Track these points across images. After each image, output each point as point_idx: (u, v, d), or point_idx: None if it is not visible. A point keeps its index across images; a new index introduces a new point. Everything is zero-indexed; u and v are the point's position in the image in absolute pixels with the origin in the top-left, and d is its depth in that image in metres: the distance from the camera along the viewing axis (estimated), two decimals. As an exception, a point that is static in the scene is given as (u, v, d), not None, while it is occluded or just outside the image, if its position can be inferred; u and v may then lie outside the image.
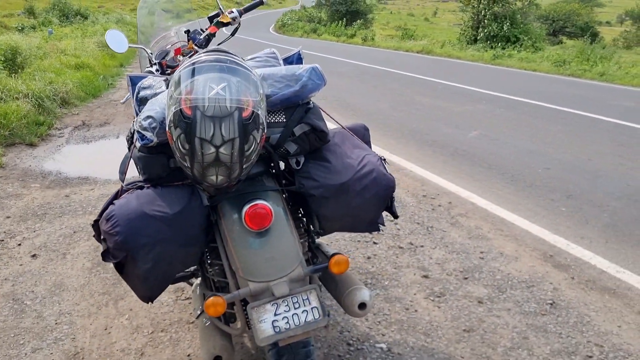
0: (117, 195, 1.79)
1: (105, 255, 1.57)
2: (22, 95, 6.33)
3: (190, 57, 2.82)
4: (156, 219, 1.54)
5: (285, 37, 27.13)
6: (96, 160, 5.17)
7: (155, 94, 1.82)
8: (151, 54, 2.68)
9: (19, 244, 3.23)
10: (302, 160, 1.80)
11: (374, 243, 3.23)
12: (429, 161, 4.96)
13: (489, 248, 3.18)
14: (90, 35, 14.94)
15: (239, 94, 1.42)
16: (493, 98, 7.95)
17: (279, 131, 1.72)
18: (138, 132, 1.70)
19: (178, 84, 1.46)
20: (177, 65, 2.71)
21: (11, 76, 7.02)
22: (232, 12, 2.85)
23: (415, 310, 2.53)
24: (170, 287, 2.56)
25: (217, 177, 1.44)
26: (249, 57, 1.96)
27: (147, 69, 2.55)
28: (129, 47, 2.52)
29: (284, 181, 1.79)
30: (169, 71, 2.66)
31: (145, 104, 1.84)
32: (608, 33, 35.45)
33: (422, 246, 3.19)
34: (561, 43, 27.01)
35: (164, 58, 2.71)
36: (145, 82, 1.87)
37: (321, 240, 2.45)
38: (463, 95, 8.25)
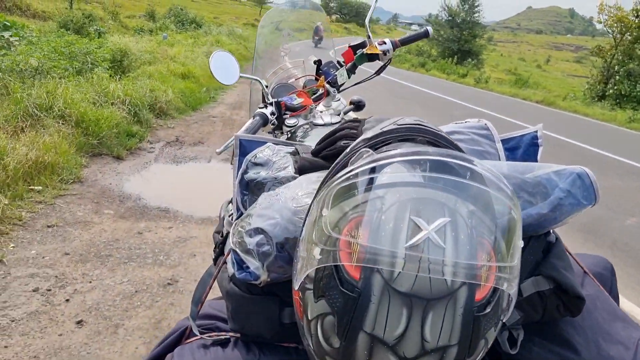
0: (182, 336, 1.04)
1: None
2: (119, 100, 5.91)
3: (318, 99, 2.04)
4: None
5: (392, 68, 26.40)
6: (181, 187, 4.56)
7: (276, 180, 1.02)
8: (266, 87, 1.93)
9: (67, 300, 2.56)
10: (520, 336, 0.92)
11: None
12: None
13: None
14: (202, 44, 14.93)
15: (473, 247, 0.59)
16: (635, 171, 6.65)
17: None
18: (236, 253, 0.91)
19: (336, 199, 0.66)
20: (300, 109, 1.94)
21: (114, 79, 6.69)
22: (384, 43, 2.05)
23: None
24: None
25: None
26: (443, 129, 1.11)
27: (259, 110, 1.79)
28: (240, 77, 1.78)
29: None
30: (289, 117, 1.90)
31: (254, 193, 1.05)
32: None
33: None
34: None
35: (282, 96, 1.96)
36: (260, 155, 1.07)
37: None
38: (605, 165, 6.99)
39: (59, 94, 4.98)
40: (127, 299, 2.64)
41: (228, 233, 1.11)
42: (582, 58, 70.36)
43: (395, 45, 2.05)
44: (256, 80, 1.87)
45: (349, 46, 2.08)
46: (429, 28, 2.12)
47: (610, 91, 16.32)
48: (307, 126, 1.88)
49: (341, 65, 2.05)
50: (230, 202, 1.27)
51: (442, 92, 13.66)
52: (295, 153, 1.08)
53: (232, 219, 1.08)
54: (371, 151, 0.68)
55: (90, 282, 2.76)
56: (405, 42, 2.10)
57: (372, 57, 2.04)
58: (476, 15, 33.19)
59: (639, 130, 11.18)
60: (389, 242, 0.59)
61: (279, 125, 1.93)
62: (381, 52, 2.03)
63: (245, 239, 0.88)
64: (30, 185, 3.80)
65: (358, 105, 2.10)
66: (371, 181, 0.64)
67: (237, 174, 1.06)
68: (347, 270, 0.61)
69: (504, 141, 1.09)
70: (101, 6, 22.04)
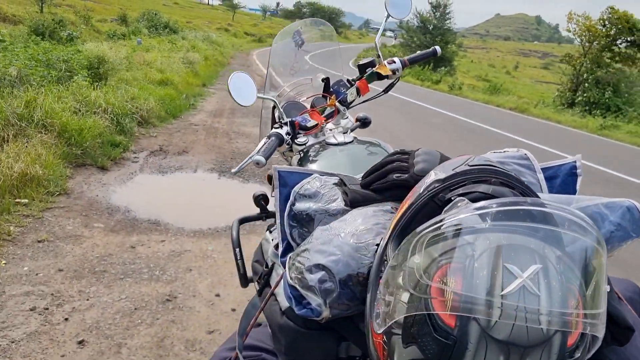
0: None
1: None
2: (100, 109, 5.82)
3: (329, 118, 2.05)
4: None
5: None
6: (170, 198, 4.50)
7: (327, 212, 1.02)
8: (281, 106, 1.94)
9: (66, 319, 2.51)
10: None
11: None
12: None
13: None
14: (179, 49, 14.78)
15: (564, 294, 0.61)
16: (623, 182, 6.82)
17: None
18: (294, 288, 0.91)
19: (428, 246, 0.67)
20: (313, 128, 1.95)
21: (93, 86, 6.58)
22: (394, 61, 2.08)
23: None
24: None
25: None
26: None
27: (275, 130, 1.79)
28: (258, 97, 1.78)
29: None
30: (304, 138, 1.91)
31: (303, 225, 1.05)
32: None
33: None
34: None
35: (292, 115, 1.97)
36: (307, 186, 1.06)
37: None
38: (586, 174, 7.15)
39: (39, 104, 4.87)
40: (127, 316, 2.60)
41: (273, 264, 1.10)
42: (549, 64, 72.01)
43: (404, 64, 2.08)
44: (272, 100, 1.87)
45: (358, 65, 2.10)
46: (437, 48, 2.16)
47: (580, 98, 16.73)
48: (319, 146, 1.88)
49: (351, 84, 2.06)
50: (269, 230, 1.27)
51: (418, 98, 13.81)
52: (341, 184, 1.08)
53: (277, 250, 1.08)
54: (466, 200, 0.70)
55: (88, 299, 2.70)
56: (413, 61, 2.13)
57: (381, 76, 2.07)
58: (447, 22, 33.72)
59: (609, 137, 11.50)
60: (484, 290, 0.60)
61: (290, 145, 1.93)
62: (390, 72, 2.06)
63: (306, 275, 0.88)
64: (16, 199, 3.71)
65: (364, 122, 2.13)
66: (459, 230, 0.65)
67: (283, 205, 1.05)
68: (441, 317, 0.62)
69: (545, 170, 1.12)
70: (72, 10, 21.64)
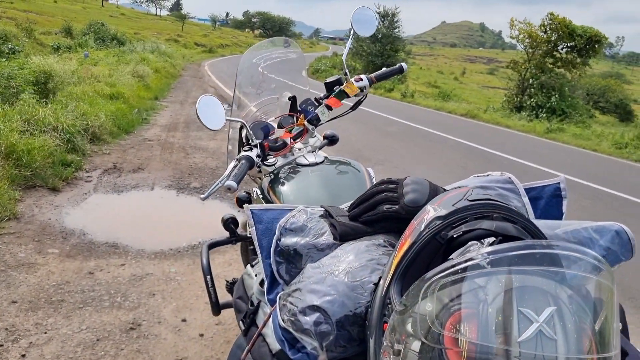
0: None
1: None
2: (50, 127, 5.59)
3: (298, 137, 2.02)
4: None
5: (318, 85, 26.61)
6: (127, 219, 4.35)
7: (316, 248, 0.98)
8: (251, 127, 1.90)
9: (23, 355, 2.37)
10: None
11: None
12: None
13: None
14: (127, 62, 14.43)
15: (580, 336, 0.61)
16: (575, 185, 7.02)
17: None
18: (286, 331, 0.87)
19: (433, 293, 0.65)
20: (283, 148, 1.91)
21: (41, 103, 6.31)
22: (361, 79, 2.08)
23: None
24: None
25: None
26: (469, 185, 1.12)
27: (245, 153, 1.75)
28: (227, 120, 1.73)
29: None
30: (273, 159, 1.87)
31: (290, 261, 1.01)
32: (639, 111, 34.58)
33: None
34: (593, 117, 26.02)
35: (259, 135, 1.93)
36: (293, 220, 1.02)
37: None
38: (536, 177, 7.37)
39: (-19, 125, 4.64)
40: (89, 348, 2.47)
41: (259, 302, 1.05)
42: (494, 70, 74.28)
43: (371, 82, 2.08)
44: (242, 122, 1.82)
45: (325, 83, 2.08)
46: (404, 64, 2.16)
47: (527, 102, 17.30)
48: (289, 167, 1.85)
49: (319, 103, 2.04)
50: (252, 265, 1.22)
51: (373, 107, 13.93)
52: (327, 216, 1.05)
53: (262, 287, 1.03)
54: (478, 244, 0.68)
55: (46, 332, 2.56)
56: (380, 77, 2.13)
57: (348, 95, 2.06)
58: (396, 30, 34.28)
59: (556, 139, 11.92)
60: (501, 339, 0.58)
61: (259, 167, 1.89)
62: (358, 89, 2.05)
63: (300, 317, 0.85)
64: (-38, 226, 3.51)
65: (332, 140, 2.11)
66: (462, 276, 0.63)
67: (262, 241, 1.01)
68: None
69: (528, 190, 1.12)
70: (14, 22, 20.83)
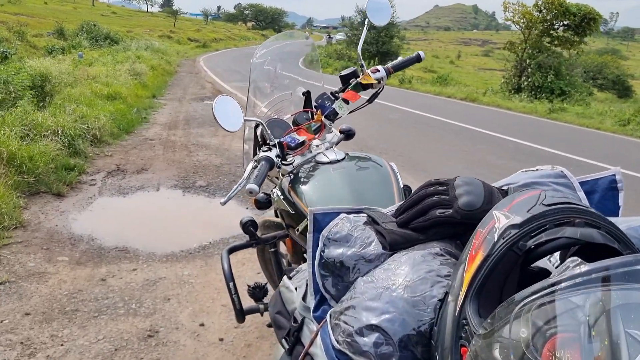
0: None
1: None
2: (50, 132, 5.50)
3: (316, 134, 1.94)
4: None
5: (314, 74, 26.42)
6: (135, 221, 4.28)
7: (364, 259, 0.90)
8: (267, 126, 1.82)
9: (41, 370, 2.31)
10: None
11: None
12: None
13: None
14: (122, 61, 14.29)
15: None
16: (582, 165, 6.97)
17: None
18: (342, 353, 0.80)
19: (527, 316, 0.58)
20: (301, 146, 1.84)
21: (39, 107, 6.22)
22: (378, 70, 2.00)
23: None
24: None
25: None
26: (519, 181, 1.03)
27: (264, 154, 1.67)
28: (245, 120, 1.66)
29: None
30: (292, 158, 1.79)
31: (336, 274, 0.93)
32: (637, 87, 34.46)
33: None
34: (592, 95, 25.88)
35: (275, 133, 1.86)
36: (336, 229, 0.95)
37: None
38: (542, 160, 7.27)
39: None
40: (107, 359, 2.41)
41: (304, 319, 0.98)
42: (489, 52, 74.02)
43: (388, 72, 2.00)
44: (259, 122, 1.74)
45: (340, 76, 2.00)
46: (421, 52, 2.09)
47: (525, 83, 17.18)
48: (309, 165, 1.78)
49: (335, 97, 1.97)
50: (289, 277, 1.15)
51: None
52: (372, 222, 0.97)
53: (304, 301, 0.96)
54: (579, 260, 0.61)
55: (62, 344, 2.50)
56: (397, 67, 2.06)
57: (365, 86, 1.98)
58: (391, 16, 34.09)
59: (559, 119, 11.83)
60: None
61: (279, 167, 1.82)
62: (375, 81, 1.97)
63: (357, 338, 0.78)
64: (-32, 238, 3.44)
65: (348, 134, 2.03)
66: (553, 299, 0.56)
67: (314, 252, 0.94)
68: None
69: (582, 183, 1.04)
70: (5, 26, 20.62)
